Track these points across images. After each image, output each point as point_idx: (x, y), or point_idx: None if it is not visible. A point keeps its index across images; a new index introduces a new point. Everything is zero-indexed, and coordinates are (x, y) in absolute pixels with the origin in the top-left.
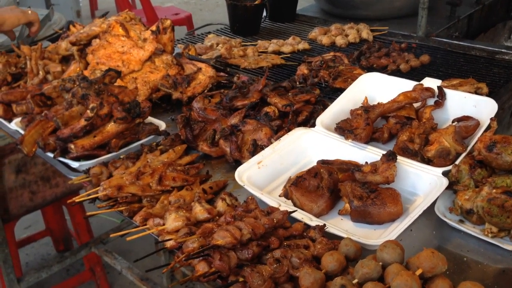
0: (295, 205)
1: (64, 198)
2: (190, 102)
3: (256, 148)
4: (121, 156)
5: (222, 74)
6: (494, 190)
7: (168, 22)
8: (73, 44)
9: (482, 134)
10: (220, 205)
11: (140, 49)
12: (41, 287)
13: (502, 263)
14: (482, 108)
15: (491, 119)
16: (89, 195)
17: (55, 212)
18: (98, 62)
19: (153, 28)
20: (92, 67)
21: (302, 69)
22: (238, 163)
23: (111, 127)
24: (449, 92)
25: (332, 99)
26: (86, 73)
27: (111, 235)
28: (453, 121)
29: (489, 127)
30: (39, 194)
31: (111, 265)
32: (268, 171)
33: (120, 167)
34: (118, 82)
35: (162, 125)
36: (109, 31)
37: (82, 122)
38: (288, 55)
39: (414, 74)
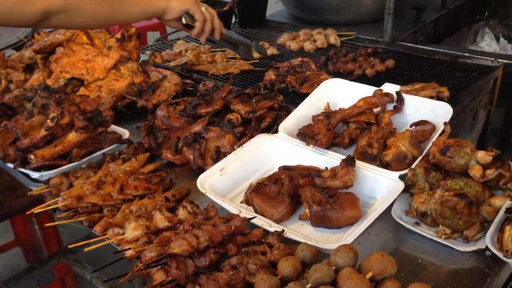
0: (256, 211)
1: (33, 207)
2: (155, 109)
3: (219, 155)
4: (82, 166)
5: (188, 81)
6: (447, 193)
7: (133, 30)
8: (36, 52)
9: (437, 138)
10: (182, 213)
11: (104, 57)
12: None
13: (455, 263)
14: (438, 112)
15: (444, 123)
16: (49, 205)
17: (24, 221)
18: (62, 70)
19: (118, 35)
20: (55, 75)
21: (270, 75)
22: (202, 170)
23: (72, 137)
24: (407, 97)
25: (298, 105)
26: (49, 81)
27: (69, 246)
28: (411, 126)
29: (443, 131)
30: (5, 204)
31: (81, 274)
32: (231, 178)
33: (81, 177)
34: (83, 91)
35: (125, 133)
36: (73, 39)
37: (42, 132)
38: (257, 61)
39: (380, 78)
